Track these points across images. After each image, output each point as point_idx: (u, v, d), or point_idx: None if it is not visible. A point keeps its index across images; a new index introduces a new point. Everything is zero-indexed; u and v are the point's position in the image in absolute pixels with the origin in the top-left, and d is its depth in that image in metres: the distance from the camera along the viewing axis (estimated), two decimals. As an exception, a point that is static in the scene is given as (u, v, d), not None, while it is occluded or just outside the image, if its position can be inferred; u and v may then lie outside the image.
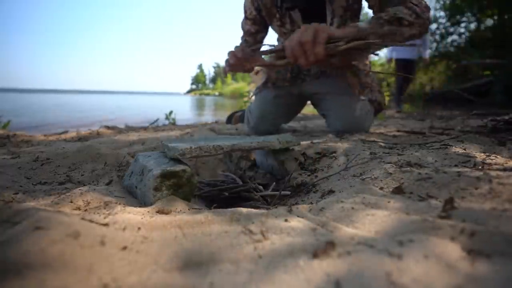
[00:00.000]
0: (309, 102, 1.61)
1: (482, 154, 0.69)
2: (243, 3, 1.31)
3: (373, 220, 0.41)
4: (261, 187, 0.77)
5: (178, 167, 0.63)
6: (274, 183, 0.82)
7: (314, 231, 0.38)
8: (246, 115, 1.65)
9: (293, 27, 1.19)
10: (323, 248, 0.31)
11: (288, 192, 0.73)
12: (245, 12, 1.29)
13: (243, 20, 1.36)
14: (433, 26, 7.27)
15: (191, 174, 0.64)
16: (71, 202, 0.57)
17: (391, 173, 0.60)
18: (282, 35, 1.28)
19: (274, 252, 0.32)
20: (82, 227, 0.35)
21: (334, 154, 0.90)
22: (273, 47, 0.84)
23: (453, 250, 0.29)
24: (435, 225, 0.34)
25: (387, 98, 5.07)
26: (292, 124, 2.16)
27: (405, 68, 4.17)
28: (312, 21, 1.17)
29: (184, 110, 7.89)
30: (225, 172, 0.98)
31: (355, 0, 1.04)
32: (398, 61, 4.27)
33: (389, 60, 4.42)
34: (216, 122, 2.53)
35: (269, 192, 0.74)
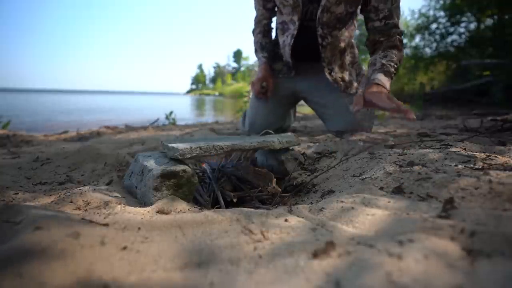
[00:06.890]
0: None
1: (482, 154, 0.69)
2: None
3: (373, 220, 0.41)
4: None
5: (178, 167, 0.63)
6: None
7: (314, 231, 0.38)
8: (243, 118, 1.65)
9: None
10: (323, 248, 0.31)
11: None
12: None
13: None
14: (433, 26, 7.28)
15: (191, 174, 0.64)
16: (71, 202, 0.57)
17: (391, 173, 0.60)
18: (281, 5, 1.31)
19: (274, 252, 0.32)
20: (82, 227, 0.35)
21: (334, 154, 0.90)
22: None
23: (453, 250, 0.29)
24: (435, 225, 0.34)
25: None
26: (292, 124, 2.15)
27: None
28: None
29: (184, 110, 7.90)
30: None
31: None
32: None
33: None
34: (216, 122, 2.53)
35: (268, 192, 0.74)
